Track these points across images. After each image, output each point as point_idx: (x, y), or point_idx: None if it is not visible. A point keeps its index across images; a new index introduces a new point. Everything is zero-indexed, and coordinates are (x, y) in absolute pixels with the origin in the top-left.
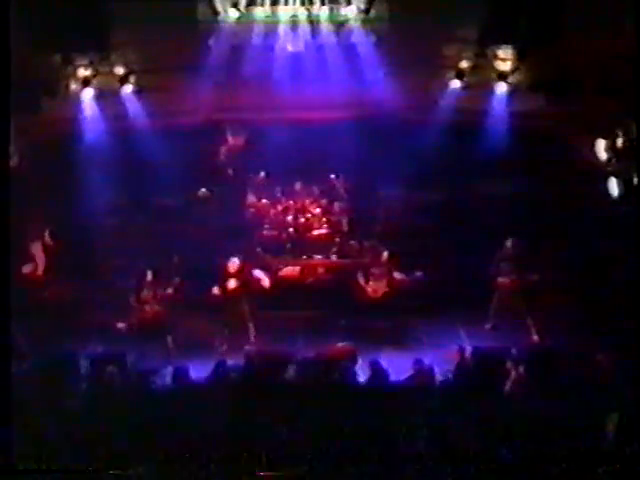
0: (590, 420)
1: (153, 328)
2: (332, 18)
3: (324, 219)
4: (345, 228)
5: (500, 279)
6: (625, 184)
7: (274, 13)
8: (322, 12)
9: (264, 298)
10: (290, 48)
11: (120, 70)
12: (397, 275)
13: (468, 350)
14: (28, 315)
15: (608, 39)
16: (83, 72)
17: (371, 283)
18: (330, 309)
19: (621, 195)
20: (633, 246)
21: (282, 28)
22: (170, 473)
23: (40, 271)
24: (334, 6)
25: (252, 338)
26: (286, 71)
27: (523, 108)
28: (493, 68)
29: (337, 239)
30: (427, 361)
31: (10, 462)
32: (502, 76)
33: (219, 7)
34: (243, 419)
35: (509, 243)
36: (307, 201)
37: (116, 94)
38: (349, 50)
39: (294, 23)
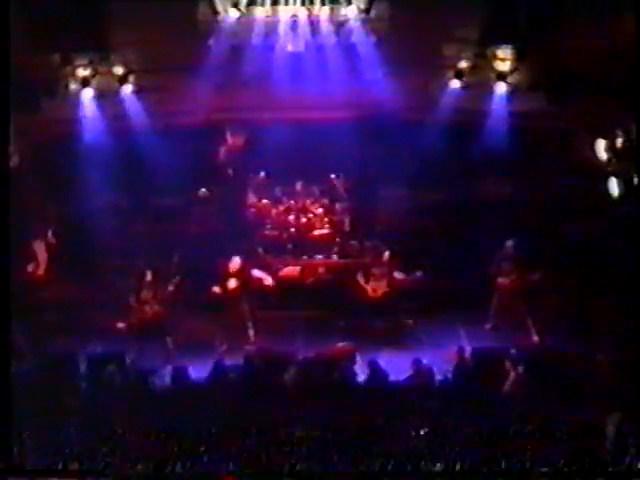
0: (590, 420)
1: (153, 328)
2: (332, 18)
3: (325, 219)
4: (346, 228)
5: (500, 279)
6: (625, 184)
7: (274, 13)
8: (322, 12)
9: (264, 298)
10: (290, 48)
11: (119, 70)
12: (397, 275)
13: (468, 350)
14: (28, 315)
15: (608, 39)
16: (82, 72)
17: (371, 283)
18: (330, 309)
19: (621, 195)
20: (633, 246)
21: (282, 28)
22: (170, 473)
23: (41, 271)
24: (334, 6)
25: (252, 338)
26: (286, 71)
27: (523, 108)
28: (493, 68)
29: (338, 239)
30: (426, 361)
31: (10, 462)
32: (502, 76)
33: (219, 7)
34: (242, 419)
35: (509, 243)
36: (308, 201)
37: (115, 94)
38: (349, 50)
39: (294, 23)
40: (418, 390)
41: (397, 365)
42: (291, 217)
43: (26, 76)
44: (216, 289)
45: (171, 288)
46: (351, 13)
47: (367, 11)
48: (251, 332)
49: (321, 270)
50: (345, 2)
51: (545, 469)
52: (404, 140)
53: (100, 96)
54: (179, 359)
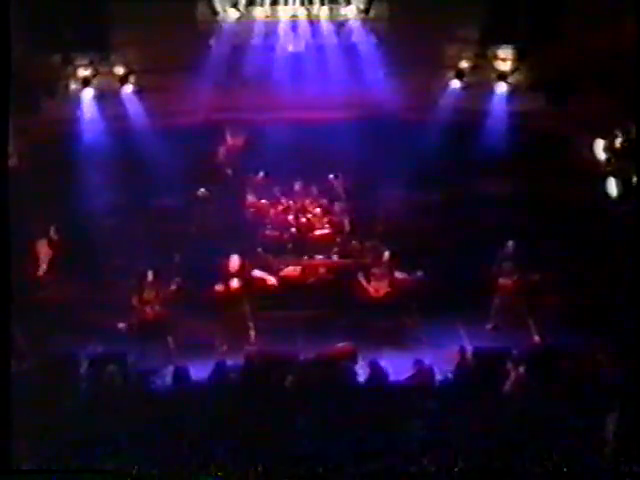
0: (590, 420)
1: (153, 328)
2: (332, 18)
3: (325, 219)
4: (346, 228)
5: (501, 279)
6: (624, 184)
7: (274, 13)
8: (322, 12)
9: (265, 298)
10: (290, 48)
11: (120, 70)
12: (398, 275)
13: (469, 350)
14: (28, 315)
15: (608, 39)
16: (83, 72)
17: (372, 283)
18: (331, 309)
19: (620, 195)
20: (633, 246)
21: (282, 28)
22: (170, 473)
23: (41, 271)
24: (334, 6)
25: (252, 338)
26: (286, 71)
27: (523, 108)
28: (493, 68)
29: (338, 239)
30: (427, 361)
31: (10, 462)
32: (502, 76)
33: (219, 7)
34: (243, 419)
35: (509, 243)
36: (307, 201)
37: (116, 94)
38: (349, 50)
39: (294, 23)
40: (419, 390)
41: (398, 365)
42: (291, 217)
43: (26, 76)
44: (217, 287)
45: (172, 288)
46: (350, 13)
47: (366, 11)
48: (252, 332)
49: (321, 270)
50: (345, 2)
51: (545, 469)
52: (404, 140)
53: (100, 96)
54: (180, 359)
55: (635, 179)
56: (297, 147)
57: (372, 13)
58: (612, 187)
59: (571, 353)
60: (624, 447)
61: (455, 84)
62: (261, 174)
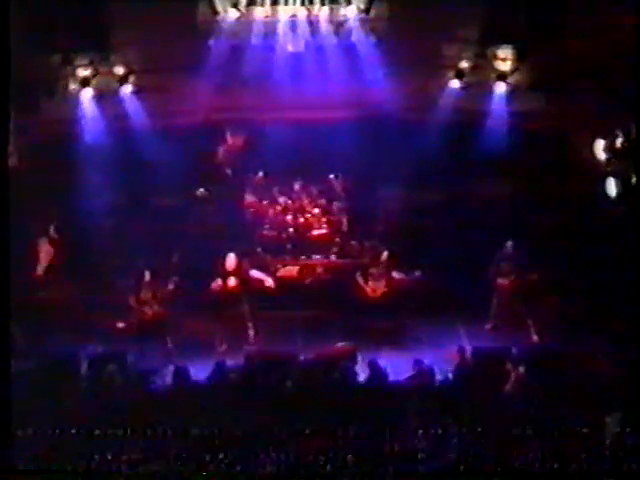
0: (590, 420)
1: (153, 328)
2: (332, 18)
3: (323, 219)
4: (345, 228)
5: (500, 279)
6: (624, 184)
7: (274, 13)
8: (322, 12)
9: (264, 298)
10: (290, 48)
11: (119, 70)
12: (396, 275)
13: (468, 350)
14: (28, 315)
15: (608, 39)
16: (82, 72)
17: (370, 283)
18: (330, 309)
19: (620, 195)
20: (632, 246)
21: (282, 28)
22: (170, 473)
23: (41, 270)
24: (334, 6)
25: (251, 338)
26: (286, 71)
27: (523, 108)
28: (493, 68)
29: (337, 239)
30: (427, 361)
31: (10, 462)
32: (502, 76)
33: (219, 7)
34: (243, 419)
35: (509, 243)
36: (306, 201)
37: (115, 94)
38: (349, 50)
39: (294, 23)
40: (419, 390)
41: (397, 365)
42: (289, 217)
43: (26, 76)
44: (214, 286)
45: (171, 288)
46: (351, 13)
47: (367, 11)
48: (251, 332)
49: (320, 270)
50: (345, 2)
51: (545, 469)
52: (404, 140)
53: (100, 96)
54: (179, 359)
55: (634, 179)
56: (297, 147)
57: (372, 13)
58: (611, 187)
59: (571, 353)
60: (624, 447)
61: (455, 84)
62: (260, 174)
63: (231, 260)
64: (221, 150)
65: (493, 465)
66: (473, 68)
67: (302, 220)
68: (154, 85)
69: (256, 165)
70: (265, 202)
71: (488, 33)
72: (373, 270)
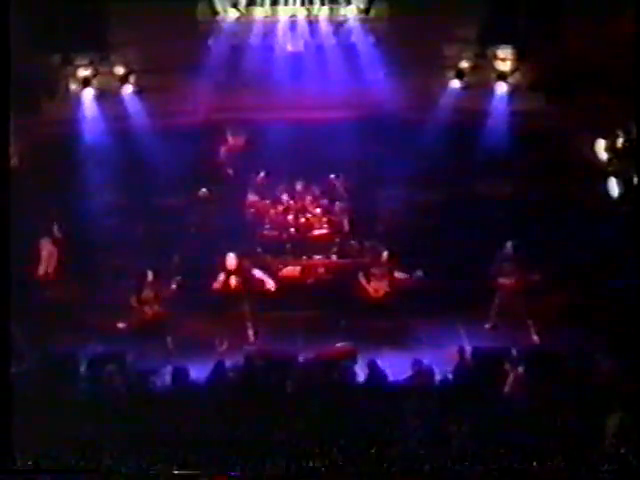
0: (590, 420)
1: (153, 328)
2: (332, 18)
3: (324, 219)
4: (346, 228)
5: (500, 279)
6: (625, 184)
7: (274, 13)
8: (322, 12)
9: (264, 298)
10: (290, 48)
11: (120, 70)
12: (398, 275)
13: (468, 350)
14: (28, 315)
15: (608, 39)
16: (83, 72)
17: (372, 283)
18: (330, 309)
19: (621, 195)
20: (633, 246)
21: (282, 28)
22: (170, 473)
23: (43, 270)
24: (334, 6)
25: (252, 338)
26: (286, 71)
27: (523, 108)
28: (493, 68)
29: (337, 239)
30: (427, 361)
31: (10, 462)
32: (502, 76)
33: (219, 7)
34: (242, 419)
35: (509, 243)
36: (307, 201)
37: (116, 94)
38: (349, 50)
39: (293, 23)
40: (418, 390)
41: (397, 365)
42: (290, 217)
43: (26, 76)
44: (215, 285)
45: (172, 288)
46: (350, 13)
47: (366, 11)
48: (251, 332)
49: (321, 270)
50: (344, 2)
51: (545, 469)
52: (404, 140)
53: (100, 96)
54: (179, 359)
55: (636, 179)
56: (297, 147)
57: (372, 13)
58: (613, 187)
59: (571, 353)
60: (624, 447)
61: (455, 84)
62: (261, 174)
63: (231, 259)
64: (222, 150)
65: (493, 465)
66: (473, 68)
67: (303, 220)
68: (154, 85)
69: (257, 165)
70: (267, 202)
71: (488, 33)
72: (375, 270)
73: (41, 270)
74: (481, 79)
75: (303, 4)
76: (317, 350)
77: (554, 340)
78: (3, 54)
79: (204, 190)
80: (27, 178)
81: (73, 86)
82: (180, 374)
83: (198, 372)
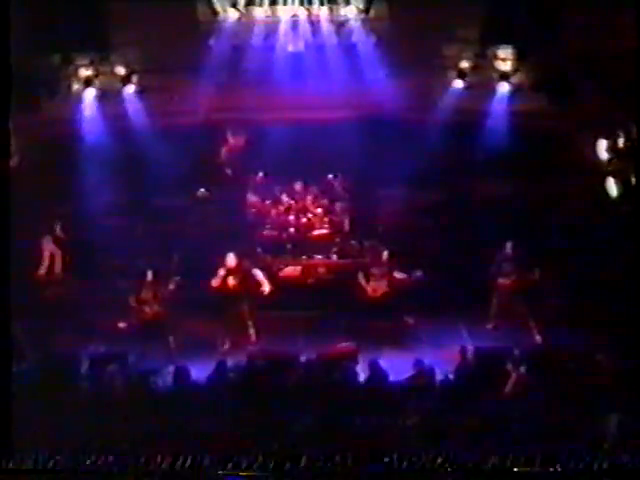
0: (590, 420)
1: (154, 328)
2: (331, 18)
3: (324, 219)
4: (346, 228)
5: (501, 279)
6: (625, 184)
7: (273, 13)
8: (321, 12)
9: (264, 298)
10: (290, 48)
11: (121, 70)
12: (398, 275)
13: (469, 350)
14: (28, 315)
15: (608, 39)
16: (84, 72)
17: (372, 283)
18: (331, 309)
19: (621, 195)
20: (633, 246)
21: (281, 28)
22: (170, 473)
23: (43, 270)
24: (333, 6)
25: (252, 338)
26: (286, 71)
27: (524, 108)
28: (494, 68)
29: (337, 239)
30: (428, 361)
31: (10, 461)
32: (503, 76)
33: (218, 7)
34: (244, 419)
35: (509, 243)
36: (307, 201)
37: (117, 94)
38: (349, 50)
39: (293, 23)
40: (419, 390)
41: (398, 365)
42: (291, 217)
43: (27, 76)
44: (214, 282)
45: (172, 288)
46: (350, 13)
47: (366, 11)
48: (252, 332)
49: (321, 270)
50: (344, 2)
51: (545, 469)
52: (405, 140)
53: (102, 96)
54: (181, 359)
55: (635, 180)
56: (297, 147)
57: (372, 13)
58: (612, 187)
59: (571, 353)
60: (624, 447)
61: (456, 84)
62: (261, 174)
63: (231, 259)
64: (222, 150)
65: (493, 465)
66: (473, 68)
67: (304, 220)
68: (154, 85)
69: (257, 165)
70: (267, 202)
71: (488, 33)
72: (375, 270)
73: (42, 269)
74: (482, 79)
75: (303, 4)
76: (318, 350)
77: (555, 340)
78: (3, 54)
79: (204, 190)
80: (27, 178)
81: (75, 86)
82: (182, 374)
83: (199, 372)
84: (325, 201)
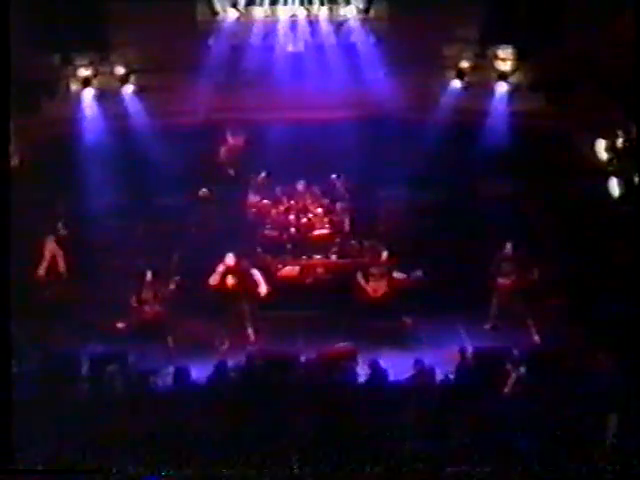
0: (590, 420)
1: (153, 328)
2: (331, 18)
3: (325, 219)
4: (346, 228)
5: (500, 279)
6: (625, 184)
7: (273, 13)
8: (321, 12)
9: (264, 298)
10: (289, 48)
11: (120, 70)
12: (397, 275)
13: (469, 350)
14: (29, 315)
15: (608, 39)
16: (83, 72)
17: (371, 283)
18: (330, 309)
19: (621, 195)
20: (633, 246)
21: (281, 28)
22: (170, 473)
23: (43, 270)
24: (333, 6)
25: (252, 338)
26: (286, 71)
27: (523, 108)
28: (493, 68)
29: (337, 239)
30: (427, 361)
31: (10, 462)
32: (502, 76)
33: (218, 7)
34: (243, 419)
35: (509, 243)
36: (308, 201)
37: (116, 94)
38: (348, 50)
39: (293, 23)
40: (419, 390)
41: (398, 365)
42: (291, 217)
43: (26, 76)
44: (211, 280)
45: (172, 287)
46: (350, 13)
47: (366, 11)
48: (251, 332)
49: (321, 270)
50: (344, 2)
51: (545, 469)
52: (404, 140)
53: (101, 96)
54: (180, 359)
55: (636, 179)
56: (298, 147)
57: (372, 13)
58: (613, 187)
59: (571, 353)
60: (624, 447)
61: (455, 84)
62: (262, 174)
63: (230, 259)
64: (222, 150)
65: (493, 465)
66: (473, 68)
67: (305, 220)
68: (154, 85)
69: (257, 165)
70: (267, 202)
71: (488, 33)
72: (374, 270)
73: (42, 270)
74: (481, 79)
75: (302, 4)
76: (318, 350)
77: (554, 340)
78: (3, 54)
79: (204, 190)
80: (27, 178)
81: (74, 86)
82: (181, 374)
83: (199, 372)
84: (325, 201)
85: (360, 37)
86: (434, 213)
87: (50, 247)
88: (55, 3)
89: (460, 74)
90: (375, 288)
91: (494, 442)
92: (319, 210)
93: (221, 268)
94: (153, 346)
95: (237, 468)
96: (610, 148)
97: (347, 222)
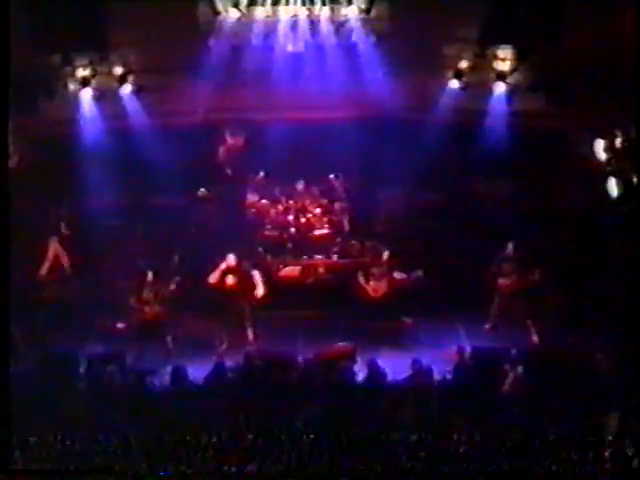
0: (590, 420)
1: (153, 328)
2: (332, 18)
3: (324, 219)
4: (346, 228)
5: (500, 279)
6: (625, 184)
7: (274, 13)
8: (322, 12)
9: (263, 298)
10: (290, 48)
11: (119, 70)
12: (397, 275)
13: (467, 350)
14: (28, 315)
15: (608, 39)
16: (82, 72)
17: (371, 283)
18: (330, 309)
19: (621, 195)
20: (633, 246)
21: (283, 28)
22: (170, 473)
23: (44, 271)
24: (334, 6)
25: (251, 338)
26: (286, 71)
27: (522, 108)
28: (492, 68)
29: (338, 239)
30: (426, 361)
31: (10, 462)
32: (501, 76)
33: (220, 7)
34: (242, 419)
35: (509, 243)
36: (307, 201)
37: (115, 94)
38: (349, 50)
39: (294, 23)
40: (417, 390)
41: (396, 365)
42: (291, 217)
43: (26, 76)
44: (210, 279)
45: (171, 288)
46: (351, 13)
47: (367, 11)
48: (250, 332)
49: (321, 270)
50: (345, 2)
51: (545, 469)
52: (404, 140)
53: (99, 96)
54: (179, 359)
55: (635, 179)
56: (297, 147)
57: (373, 13)
58: (612, 187)
59: (571, 353)
60: (624, 447)
61: (455, 84)
62: (261, 174)
63: (231, 259)
64: (221, 150)
65: (493, 465)
66: (473, 68)
67: (304, 220)
68: (154, 85)
69: (257, 165)
70: (267, 202)
71: (488, 33)
72: (374, 270)
73: (44, 270)
74: (480, 79)
75: (304, 4)
76: (317, 350)
77: (554, 340)
78: (3, 54)
79: (203, 190)
80: (26, 178)
81: (72, 86)
82: (179, 374)
83: (197, 372)
84: (325, 201)
85: (360, 37)
86: (433, 213)
87: (54, 247)
88: (54, 3)
89: (459, 74)
90: (375, 288)
91: (493, 442)
92: (317, 210)
93: (222, 267)
94: (152, 346)
95: (236, 467)
96: (609, 148)
97: (346, 222)
